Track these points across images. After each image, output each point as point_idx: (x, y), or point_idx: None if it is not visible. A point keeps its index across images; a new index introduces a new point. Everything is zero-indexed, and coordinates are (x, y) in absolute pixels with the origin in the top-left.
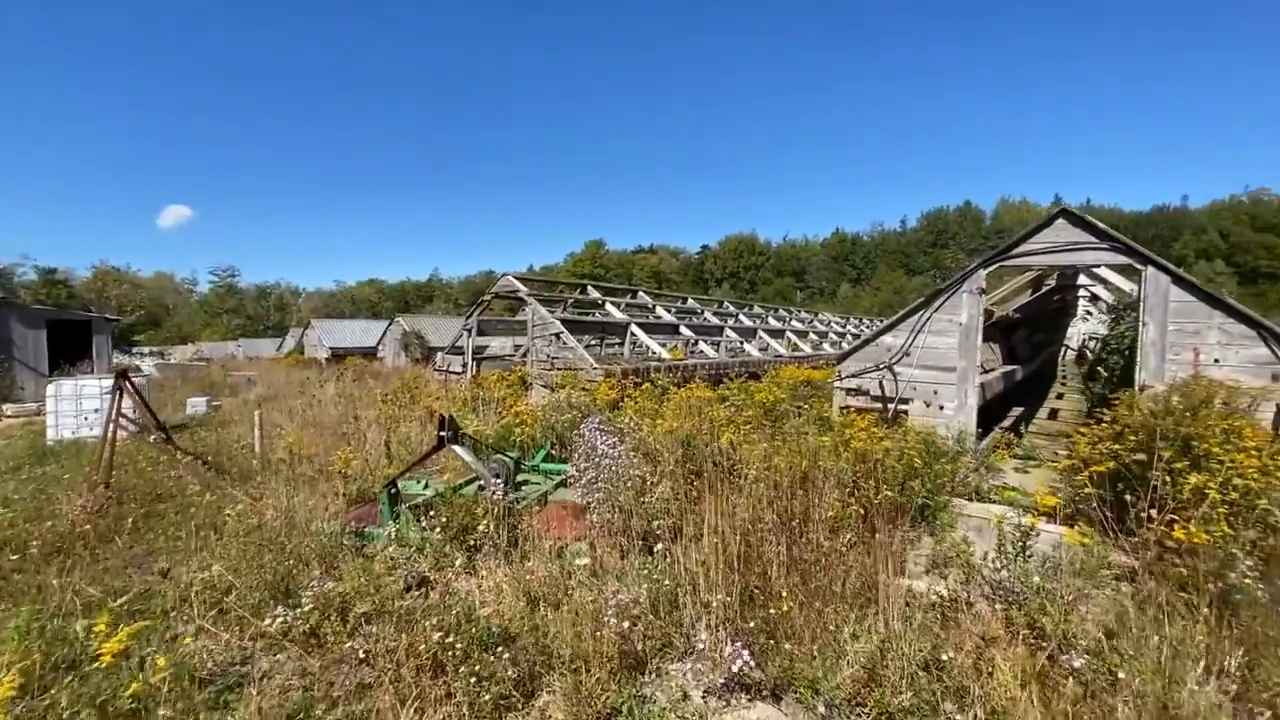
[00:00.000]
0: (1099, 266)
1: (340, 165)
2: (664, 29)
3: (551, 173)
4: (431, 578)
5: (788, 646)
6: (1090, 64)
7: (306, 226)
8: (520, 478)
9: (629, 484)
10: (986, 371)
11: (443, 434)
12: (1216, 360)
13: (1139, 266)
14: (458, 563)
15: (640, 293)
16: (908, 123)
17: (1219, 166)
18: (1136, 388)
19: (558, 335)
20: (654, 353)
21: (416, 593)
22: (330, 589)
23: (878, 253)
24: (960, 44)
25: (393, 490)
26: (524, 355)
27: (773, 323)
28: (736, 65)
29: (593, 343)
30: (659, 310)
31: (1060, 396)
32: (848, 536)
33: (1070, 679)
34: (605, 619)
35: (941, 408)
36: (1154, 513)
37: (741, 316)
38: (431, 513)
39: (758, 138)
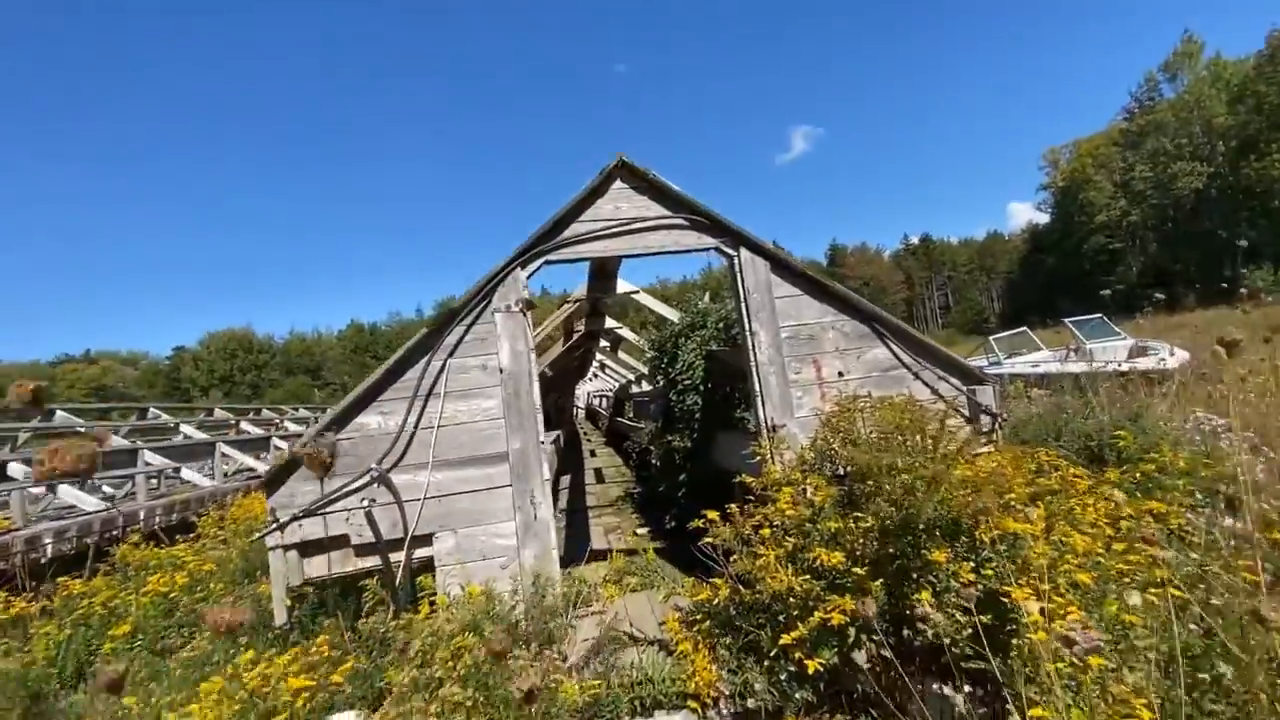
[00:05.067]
0: (672, 250)
1: None
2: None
3: None
4: None
5: None
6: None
7: None
8: None
9: None
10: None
11: None
12: (841, 373)
13: (730, 251)
14: None
15: None
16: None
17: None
18: (765, 426)
19: None
20: None
21: None
22: None
23: (400, 340)
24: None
25: None
26: None
27: (250, 429)
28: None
29: None
30: None
31: (593, 454)
32: None
33: None
34: None
35: (480, 543)
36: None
37: (185, 428)
38: None
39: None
